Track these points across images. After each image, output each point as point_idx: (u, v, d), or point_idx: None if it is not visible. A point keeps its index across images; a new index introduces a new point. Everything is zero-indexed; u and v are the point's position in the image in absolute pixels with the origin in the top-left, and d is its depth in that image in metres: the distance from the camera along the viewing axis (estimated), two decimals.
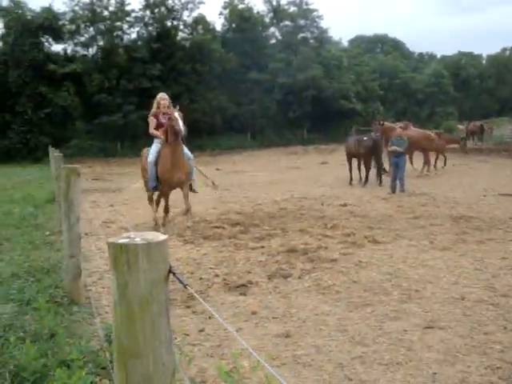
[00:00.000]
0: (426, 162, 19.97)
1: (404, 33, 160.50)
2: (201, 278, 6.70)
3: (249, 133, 43.51)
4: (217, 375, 3.65)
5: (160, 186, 9.98)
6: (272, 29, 51.45)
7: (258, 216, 11.24)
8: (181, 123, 9.23)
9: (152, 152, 9.94)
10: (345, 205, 12.43)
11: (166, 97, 10.29)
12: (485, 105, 72.04)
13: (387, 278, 6.59)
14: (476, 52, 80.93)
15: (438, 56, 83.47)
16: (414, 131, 20.19)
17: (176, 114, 9.32)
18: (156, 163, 9.76)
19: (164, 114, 9.95)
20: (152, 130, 10.06)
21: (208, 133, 41.41)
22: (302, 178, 19.64)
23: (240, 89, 44.32)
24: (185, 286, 1.53)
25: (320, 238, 8.86)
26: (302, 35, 51.03)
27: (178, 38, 44.09)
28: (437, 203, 12.53)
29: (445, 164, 21.44)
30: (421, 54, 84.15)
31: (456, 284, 6.26)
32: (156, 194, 10.49)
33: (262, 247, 8.33)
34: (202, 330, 4.97)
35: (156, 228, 9.87)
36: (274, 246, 8.33)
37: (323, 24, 52.33)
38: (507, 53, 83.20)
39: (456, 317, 5.19)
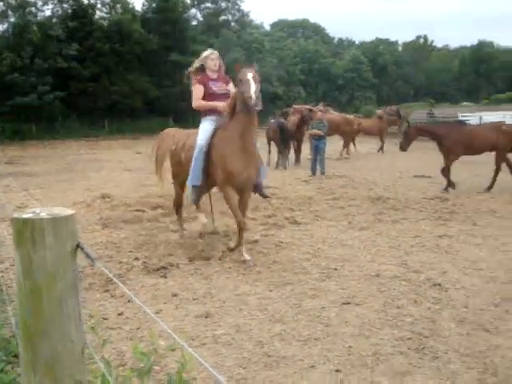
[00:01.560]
0: (346, 145, 20.50)
1: (324, 18, 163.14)
2: (120, 262, 6.58)
3: (171, 116, 42.94)
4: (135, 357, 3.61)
5: (202, 184, 6.88)
6: (193, 10, 50.96)
7: None
8: (253, 88, 5.96)
9: (204, 131, 6.80)
10: (268, 187, 12.53)
11: (217, 55, 7.16)
12: (401, 91, 74.79)
13: (307, 257, 6.73)
14: (392, 39, 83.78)
15: (357, 42, 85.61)
16: (335, 115, 20.69)
17: (249, 76, 6.08)
18: (208, 149, 6.69)
19: (216, 79, 7.08)
20: (200, 102, 6.98)
21: (128, 115, 40.59)
22: None
23: (161, 71, 43.63)
24: (93, 261, 1.48)
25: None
26: (223, 17, 50.91)
27: (96, 16, 42.72)
28: (355, 185, 12.90)
29: (382, 148, 21.98)
30: (340, 40, 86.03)
31: (372, 262, 6.49)
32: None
33: (184, 230, 8.28)
34: (121, 314, 4.89)
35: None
36: (195, 229, 8.29)
37: (245, 7, 52.55)
38: (421, 40, 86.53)
39: (371, 293, 5.38)
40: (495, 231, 8.01)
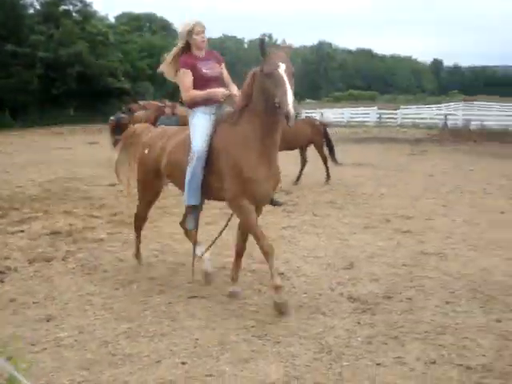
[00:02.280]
0: None
1: (170, 13, 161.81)
2: None
3: (7, 110, 39.96)
4: None
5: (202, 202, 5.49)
6: None
7: (19, 199, 10.51)
8: (290, 97, 4.19)
9: (199, 131, 5.02)
10: (113, 185, 12.21)
11: (202, 26, 5.21)
12: None
13: (154, 253, 6.73)
14: (239, 36, 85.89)
15: None
16: (184, 110, 20.73)
17: (282, 70, 4.33)
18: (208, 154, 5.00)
19: (204, 59, 5.27)
20: (193, 92, 5.13)
21: None
22: (69, 158, 18.75)
23: None
24: None
25: (85, 219, 8.65)
26: (63, 7, 48.21)
27: None
28: None
29: None
30: None
31: (219, 255, 6.61)
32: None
33: (22, 231, 7.83)
34: None
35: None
36: (35, 230, 7.89)
37: None
38: (266, 38, 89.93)
39: (217, 285, 5.52)
40: (333, 221, 8.57)
